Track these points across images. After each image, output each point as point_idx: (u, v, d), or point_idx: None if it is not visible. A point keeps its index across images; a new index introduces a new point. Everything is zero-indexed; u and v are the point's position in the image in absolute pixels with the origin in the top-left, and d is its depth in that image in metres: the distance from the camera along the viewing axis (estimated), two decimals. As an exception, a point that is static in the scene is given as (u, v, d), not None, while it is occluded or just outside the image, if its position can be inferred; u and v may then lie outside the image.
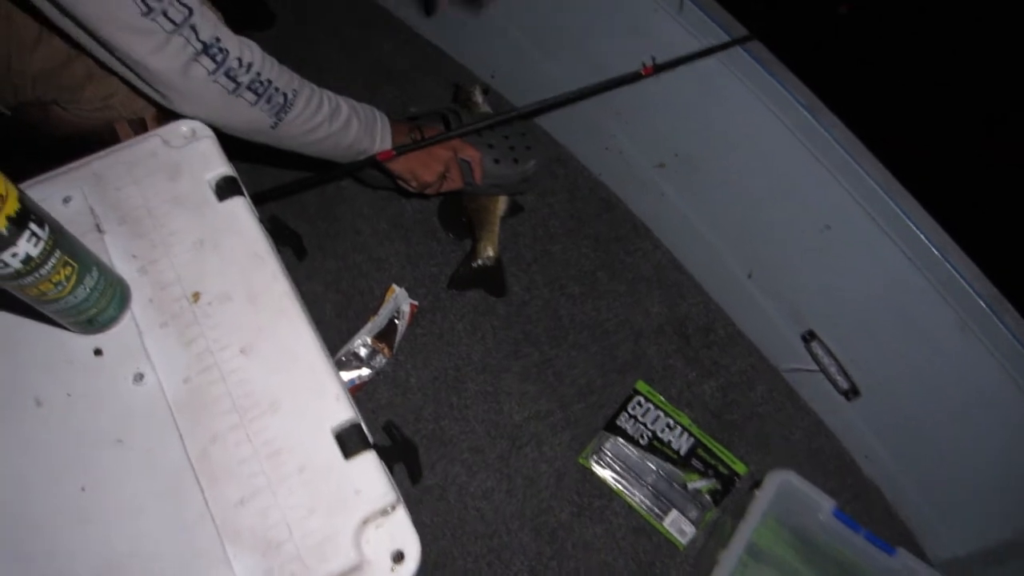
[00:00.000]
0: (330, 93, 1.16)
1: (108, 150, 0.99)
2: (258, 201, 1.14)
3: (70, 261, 0.72)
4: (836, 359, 1.59)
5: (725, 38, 1.41)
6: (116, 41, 0.90)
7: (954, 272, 1.30)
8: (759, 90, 1.42)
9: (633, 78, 1.36)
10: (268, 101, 1.04)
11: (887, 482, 1.63)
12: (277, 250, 1.05)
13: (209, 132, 1.01)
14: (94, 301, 0.77)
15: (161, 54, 0.92)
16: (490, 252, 1.67)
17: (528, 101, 1.89)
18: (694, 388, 1.66)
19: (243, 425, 0.80)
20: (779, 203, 1.55)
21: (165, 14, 0.90)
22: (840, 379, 1.59)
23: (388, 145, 1.27)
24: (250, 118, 1.04)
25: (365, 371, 1.56)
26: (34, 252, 0.67)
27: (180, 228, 0.91)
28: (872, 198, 1.35)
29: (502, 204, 1.66)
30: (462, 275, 1.68)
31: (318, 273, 1.67)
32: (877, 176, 1.33)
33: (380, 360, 1.57)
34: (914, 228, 1.32)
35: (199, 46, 0.94)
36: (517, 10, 1.79)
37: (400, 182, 1.41)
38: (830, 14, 1.37)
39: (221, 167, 0.96)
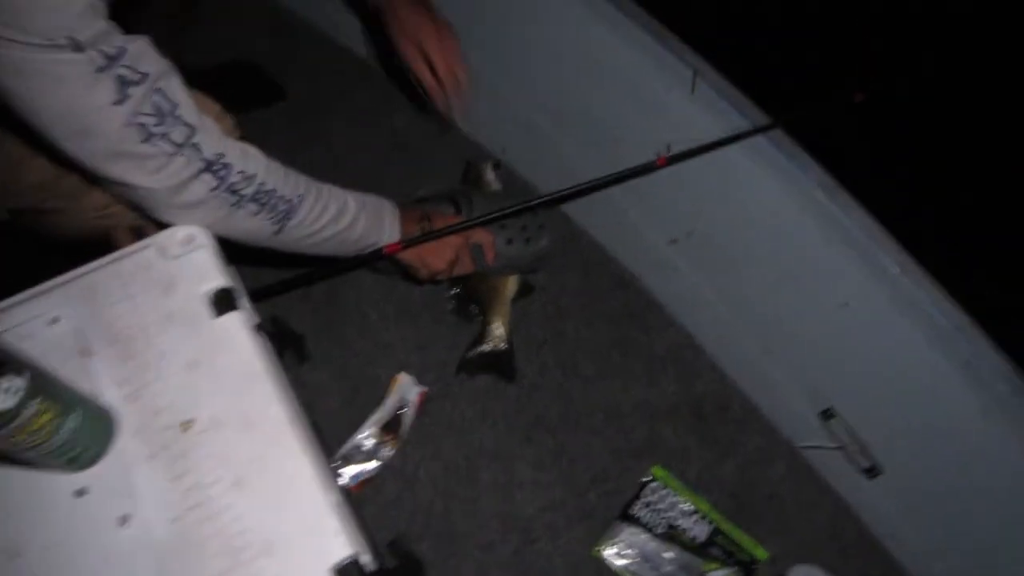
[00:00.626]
0: (337, 190, 1.13)
1: (100, 261, 0.96)
2: (259, 298, 1.11)
3: (51, 407, 0.68)
4: (856, 437, 1.53)
5: (739, 121, 1.39)
6: (112, 172, 0.87)
7: (974, 355, 1.25)
8: (777, 175, 1.38)
9: (647, 169, 1.33)
10: (272, 210, 1.02)
11: (914, 564, 1.56)
12: (279, 354, 1.03)
13: (207, 240, 0.97)
14: (76, 442, 0.73)
15: (160, 175, 0.89)
16: (501, 334, 1.62)
17: (540, 176, 1.90)
18: (712, 469, 1.59)
19: (235, 569, 0.75)
20: (796, 281, 1.51)
21: (166, 137, 0.87)
22: (860, 458, 1.53)
23: (396, 236, 1.24)
24: (251, 227, 1.01)
25: (371, 464, 1.50)
26: (9, 404, 0.63)
27: (172, 348, 0.87)
28: (889, 279, 1.31)
29: (512, 285, 1.63)
30: (471, 360, 1.64)
31: (323, 361, 1.62)
32: (895, 257, 1.29)
33: (387, 452, 1.52)
34: (931, 310, 1.28)
35: (201, 165, 0.91)
36: (529, 87, 1.77)
37: (411, 270, 1.37)
38: (846, 102, 1.34)
39: (218, 279, 0.93)
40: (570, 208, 1.87)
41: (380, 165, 1.91)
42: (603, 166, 1.67)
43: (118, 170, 0.86)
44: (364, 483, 1.50)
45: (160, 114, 0.85)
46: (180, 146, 0.88)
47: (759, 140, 1.38)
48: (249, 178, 0.97)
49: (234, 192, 0.96)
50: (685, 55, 1.44)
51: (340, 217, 1.12)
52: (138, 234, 1.25)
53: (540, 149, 1.85)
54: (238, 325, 0.89)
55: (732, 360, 1.71)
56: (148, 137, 0.85)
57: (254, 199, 0.98)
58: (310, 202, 1.06)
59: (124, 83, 0.81)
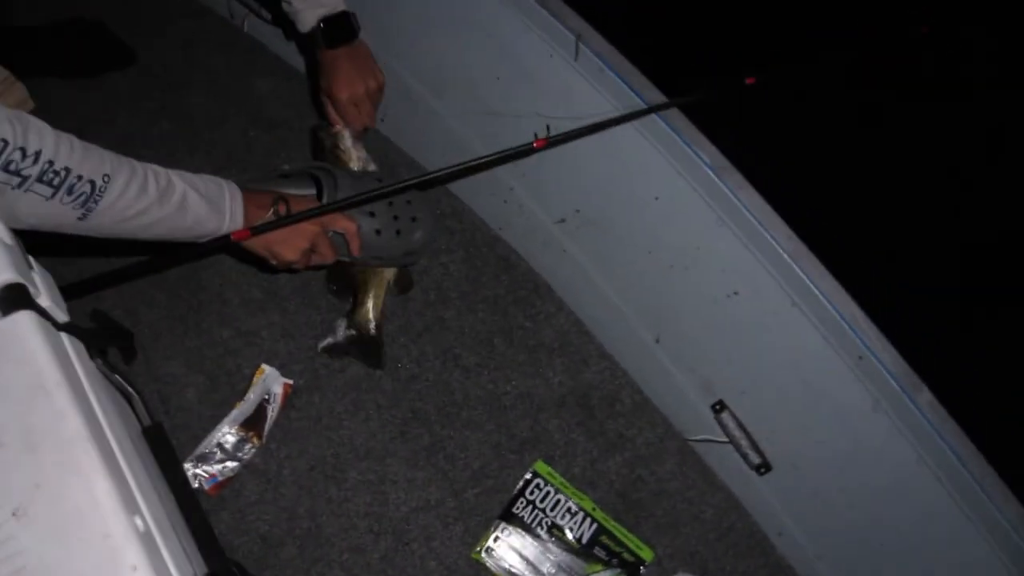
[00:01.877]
0: (158, 169, 1.01)
1: None
2: (78, 293, 0.98)
3: None
4: (747, 432, 1.49)
5: (627, 94, 1.31)
6: None
7: (865, 349, 1.22)
8: (666, 154, 1.32)
9: (526, 151, 1.23)
10: (69, 192, 0.88)
11: (800, 562, 1.54)
12: (101, 354, 0.90)
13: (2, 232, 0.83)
14: None
15: None
16: (369, 319, 1.50)
17: (420, 150, 1.78)
18: (598, 465, 1.53)
19: (7, 618, 0.63)
20: (687, 267, 1.46)
21: None
22: (751, 453, 1.49)
23: (239, 223, 1.11)
24: (47, 213, 0.88)
25: (231, 464, 1.38)
26: None
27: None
28: (780, 265, 1.26)
29: (389, 274, 1.50)
30: (337, 344, 1.52)
31: (178, 352, 1.48)
32: (786, 244, 1.25)
33: (249, 450, 1.39)
34: (823, 300, 1.23)
35: None
36: (405, 51, 1.65)
37: (263, 260, 1.24)
38: (738, 86, 1.27)
39: (7, 274, 0.79)
40: (452, 184, 1.76)
41: (241, 138, 1.76)
42: (486, 139, 1.59)
43: None
44: (222, 485, 1.37)
45: None
46: None
47: (649, 118, 1.30)
48: (32, 156, 0.84)
49: (14, 173, 0.82)
50: (569, 19, 1.36)
51: (164, 200, 1.00)
52: None
53: (419, 120, 1.74)
54: (30, 326, 0.76)
55: (623, 349, 1.64)
56: None
57: (43, 180, 0.85)
58: (120, 184, 0.93)
59: None
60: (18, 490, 0.68)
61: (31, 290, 0.80)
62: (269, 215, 1.15)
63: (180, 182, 1.02)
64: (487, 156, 1.25)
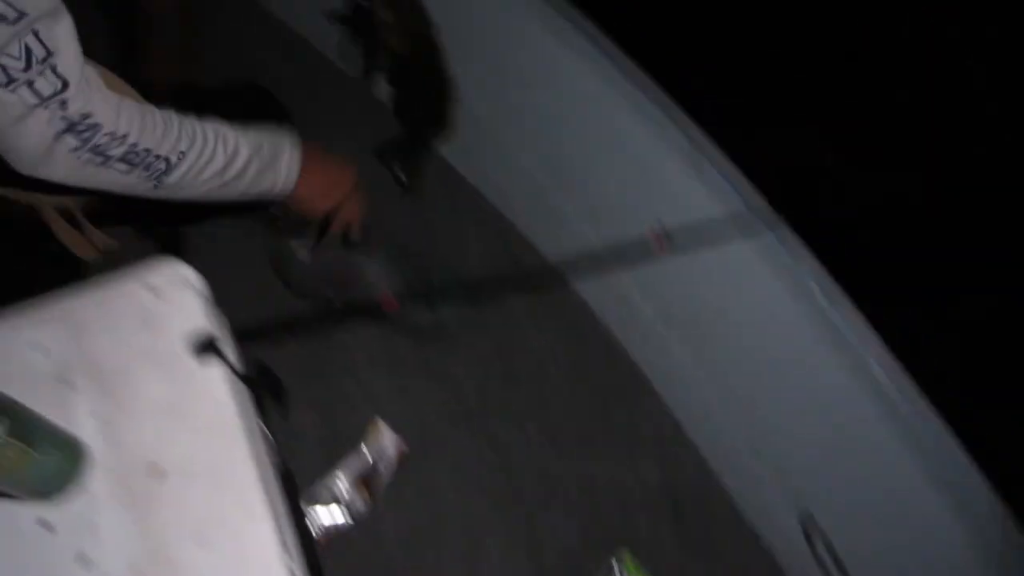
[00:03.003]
0: (228, 135, 1.07)
1: (85, 288, 0.94)
2: (246, 339, 1.09)
3: (19, 443, 0.66)
4: (835, 555, 1.50)
5: (739, 206, 1.38)
6: None
7: (971, 495, 1.23)
8: (774, 268, 1.37)
9: (646, 256, 1.31)
10: (146, 169, 0.98)
11: None
12: (259, 403, 1.00)
13: (195, 280, 0.95)
14: (45, 475, 0.71)
15: (20, 127, 0.85)
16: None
17: (536, 232, 1.87)
18: (685, 570, 1.56)
19: (184, 632, 0.72)
20: (785, 378, 1.49)
21: (31, 86, 0.82)
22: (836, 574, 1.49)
23: (293, 178, 1.19)
24: (125, 183, 0.98)
25: (341, 516, 1.47)
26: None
27: (151, 389, 0.85)
28: (886, 400, 1.29)
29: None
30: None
31: (303, 399, 1.60)
32: (894, 379, 1.27)
33: (360, 506, 1.49)
34: (931, 443, 1.26)
35: (63, 125, 0.87)
36: (531, 138, 1.77)
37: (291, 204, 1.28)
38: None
39: (203, 323, 0.91)
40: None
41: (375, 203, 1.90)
42: (602, 233, 1.66)
43: None
44: (331, 535, 1.46)
45: (28, 59, 0.80)
46: (44, 99, 0.84)
47: (758, 228, 1.37)
48: (119, 139, 0.93)
49: (100, 153, 0.92)
50: (695, 138, 1.45)
51: (227, 169, 1.07)
52: (69, 218, 1.27)
53: (541, 210, 1.85)
54: (219, 373, 0.87)
55: (717, 451, 1.68)
56: (9, 82, 0.81)
57: (124, 159, 0.95)
58: (191, 159, 1.02)
59: None
60: (201, 519, 0.78)
61: (220, 340, 0.91)
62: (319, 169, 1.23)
63: (245, 149, 1.09)
64: (607, 257, 1.34)
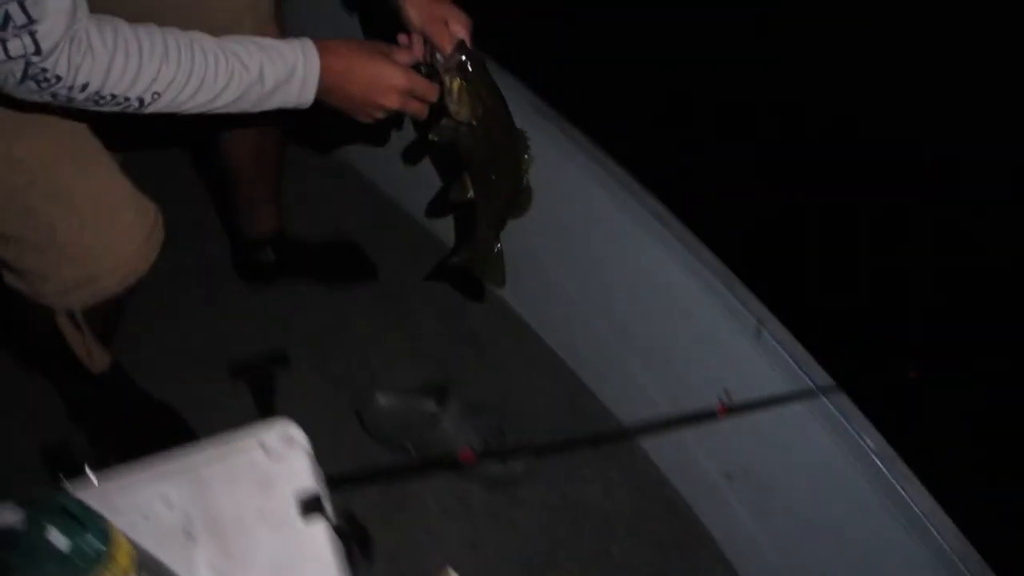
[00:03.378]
0: (221, 64, 1.09)
1: (208, 446, 1.06)
2: (330, 486, 1.19)
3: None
4: None
5: (800, 375, 1.47)
6: None
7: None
8: (834, 436, 1.44)
9: (708, 416, 1.40)
10: (116, 105, 1.03)
11: None
12: (349, 554, 1.09)
13: (302, 440, 1.06)
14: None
15: None
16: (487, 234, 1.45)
17: (600, 386, 1.97)
18: None
19: None
20: (850, 547, 1.52)
21: (3, 43, 0.88)
22: None
23: (310, 95, 1.20)
24: (97, 110, 1.04)
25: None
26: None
27: (264, 546, 0.95)
28: (947, 563, 1.32)
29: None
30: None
31: (378, 547, 1.68)
32: (953, 543, 1.31)
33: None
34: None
35: (21, 73, 0.93)
36: (600, 300, 1.89)
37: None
38: (901, 377, 1.41)
39: (310, 483, 1.02)
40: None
41: (451, 355, 2.04)
42: (663, 391, 1.75)
43: None
44: None
45: (5, 23, 0.87)
46: (12, 57, 0.90)
47: (820, 399, 1.44)
48: (80, 87, 0.98)
49: (63, 97, 0.99)
50: (751, 303, 1.55)
51: (216, 99, 1.10)
52: (72, 318, 1.40)
53: (604, 362, 1.95)
54: (322, 532, 0.97)
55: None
56: None
57: (89, 100, 1.00)
58: (169, 96, 1.05)
59: None
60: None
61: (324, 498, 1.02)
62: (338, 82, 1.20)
63: (239, 78, 1.10)
64: (670, 416, 1.43)
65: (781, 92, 2.71)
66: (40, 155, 1.25)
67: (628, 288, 1.80)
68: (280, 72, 1.14)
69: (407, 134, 2.15)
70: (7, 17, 0.86)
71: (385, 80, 1.23)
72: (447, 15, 1.28)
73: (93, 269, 1.34)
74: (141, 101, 1.04)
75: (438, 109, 1.30)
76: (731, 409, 1.41)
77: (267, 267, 2.12)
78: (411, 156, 2.20)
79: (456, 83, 1.27)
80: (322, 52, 1.18)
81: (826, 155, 2.55)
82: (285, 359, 1.90)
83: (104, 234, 1.33)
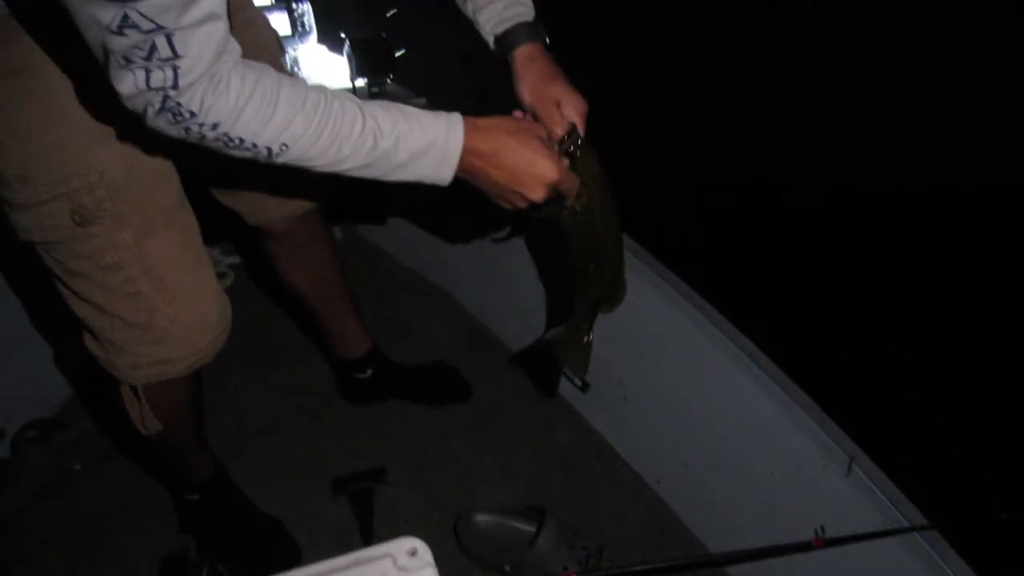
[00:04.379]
0: (364, 118, 1.07)
1: (345, 558, 1.14)
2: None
3: None
4: None
5: (892, 512, 1.50)
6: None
7: None
8: (924, 571, 1.46)
9: (804, 548, 1.44)
10: (247, 151, 1.04)
11: None
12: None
13: (428, 557, 1.15)
14: None
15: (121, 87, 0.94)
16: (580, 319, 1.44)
17: (690, 516, 2.01)
18: None
19: None
20: None
21: (147, 72, 0.91)
22: None
23: (449, 172, 1.15)
24: (227, 156, 1.06)
25: None
26: None
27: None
28: None
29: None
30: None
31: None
32: None
33: None
34: None
35: (159, 105, 0.95)
36: (692, 430, 1.95)
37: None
38: (993, 518, 1.44)
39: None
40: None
41: (542, 477, 2.11)
42: (756, 524, 1.78)
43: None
44: None
45: (151, 53, 0.89)
46: (152, 89, 0.93)
47: (911, 535, 1.47)
48: (211, 126, 0.99)
49: (193, 132, 1.00)
50: (842, 440, 1.60)
51: (342, 162, 1.09)
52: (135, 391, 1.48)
53: (694, 492, 1.99)
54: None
55: None
56: (128, 63, 0.90)
57: (219, 140, 1.01)
58: (300, 148, 1.04)
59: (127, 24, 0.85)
60: None
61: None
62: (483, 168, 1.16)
63: (385, 138, 1.07)
64: (763, 547, 1.47)
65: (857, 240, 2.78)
66: (163, 254, 1.36)
67: (719, 420, 1.86)
68: (417, 143, 1.11)
69: (500, 261, 2.31)
70: (153, 48, 0.88)
71: (538, 171, 1.17)
72: (561, 97, 1.25)
73: (168, 353, 1.43)
74: (269, 151, 1.04)
75: None
76: (826, 542, 1.45)
77: (367, 386, 2.26)
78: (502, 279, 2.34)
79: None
80: (469, 130, 1.13)
81: (911, 288, 2.61)
82: (385, 476, 2.04)
83: (191, 326, 1.43)
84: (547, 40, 1.33)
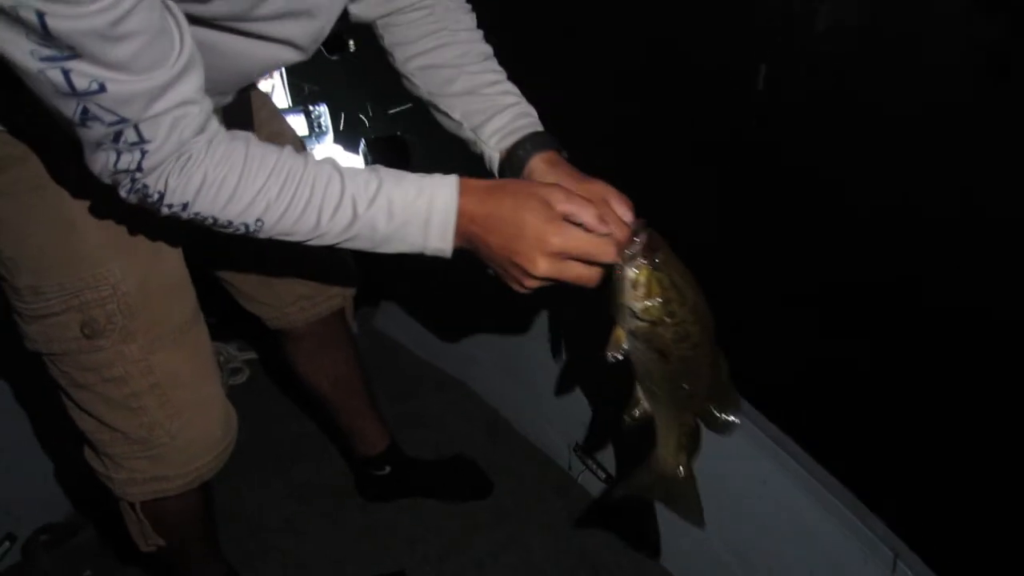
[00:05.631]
0: (342, 190, 0.98)
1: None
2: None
3: None
4: None
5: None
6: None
7: None
8: None
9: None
10: (224, 228, 0.99)
11: None
12: None
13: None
14: None
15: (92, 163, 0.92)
16: (669, 456, 1.17)
17: None
18: None
19: None
20: None
21: (118, 155, 0.89)
22: None
23: (443, 244, 1.02)
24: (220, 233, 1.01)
25: None
26: None
27: None
28: None
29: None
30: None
31: None
32: None
33: None
34: None
35: (129, 186, 0.93)
36: (727, 528, 1.87)
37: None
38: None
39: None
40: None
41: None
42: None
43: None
44: None
45: (117, 139, 0.87)
46: (121, 171, 0.91)
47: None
48: (180, 206, 0.95)
49: (166, 214, 0.97)
50: (887, 538, 1.52)
51: (324, 235, 1.01)
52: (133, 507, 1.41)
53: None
54: None
55: None
56: (97, 147, 0.88)
57: (195, 219, 0.98)
58: (273, 220, 0.98)
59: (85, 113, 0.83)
60: None
61: None
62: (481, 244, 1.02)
63: (368, 205, 0.98)
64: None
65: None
66: (170, 369, 1.32)
67: (752, 516, 1.80)
68: (403, 209, 0.99)
69: (517, 349, 2.27)
70: (119, 134, 0.86)
71: (529, 236, 0.97)
72: (606, 194, 1.05)
73: (166, 470, 1.38)
74: (246, 226, 0.98)
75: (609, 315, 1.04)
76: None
77: (384, 484, 2.20)
78: (520, 368, 2.29)
79: (644, 273, 0.98)
80: (464, 192, 1.00)
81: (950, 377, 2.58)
82: (403, 576, 1.97)
83: (191, 444, 1.39)
84: (562, 151, 1.21)
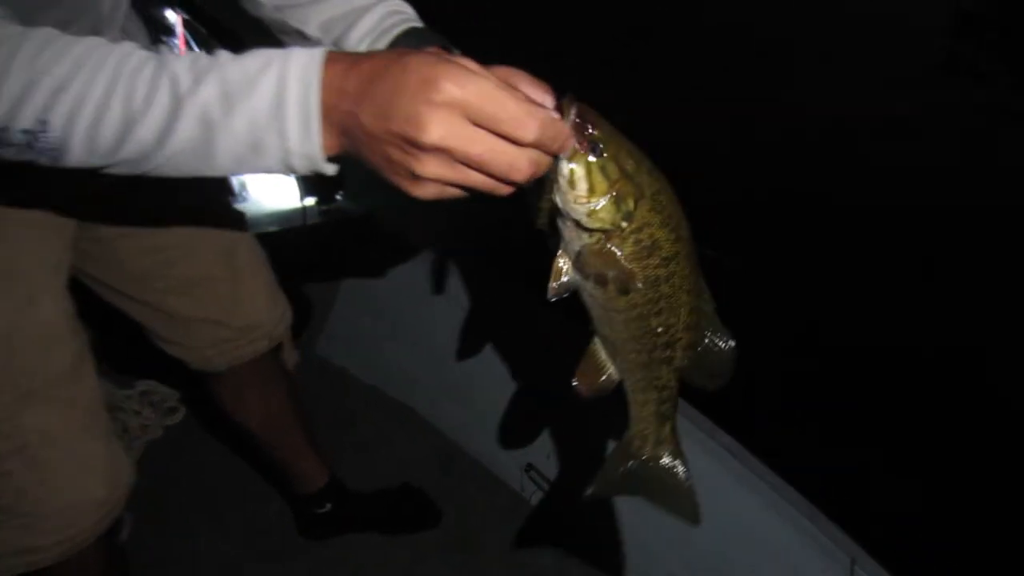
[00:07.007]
0: (157, 68, 0.70)
1: None
2: None
3: None
4: None
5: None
6: None
7: None
8: None
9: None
10: (31, 149, 0.71)
11: None
12: None
13: None
14: None
15: None
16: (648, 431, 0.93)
17: None
18: None
19: None
20: None
21: None
22: None
23: (308, 139, 0.70)
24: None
25: None
26: None
27: None
28: None
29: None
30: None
31: None
32: None
33: None
34: None
35: None
36: (682, 546, 1.82)
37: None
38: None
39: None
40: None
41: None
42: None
43: None
44: None
45: None
46: None
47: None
48: None
49: None
50: (843, 543, 1.50)
51: (139, 126, 0.70)
52: None
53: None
54: None
55: None
56: None
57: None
58: (64, 119, 0.70)
59: None
60: None
61: None
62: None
63: (191, 94, 0.69)
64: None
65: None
66: (40, 428, 1.20)
67: (710, 527, 1.73)
68: (244, 86, 0.69)
69: (466, 371, 2.20)
70: None
71: (412, 83, 0.66)
72: (513, 77, 0.71)
73: (36, 541, 1.24)
74: (26, 133, 0.70)
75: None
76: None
77: (327, 522, 2.09)
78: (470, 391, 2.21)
79: (582, 163, 0.72)
80: (330, 60, 0.70)
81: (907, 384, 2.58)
82: (352, 617, 1.87)
83: (67, 508, 1.25)
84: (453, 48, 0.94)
